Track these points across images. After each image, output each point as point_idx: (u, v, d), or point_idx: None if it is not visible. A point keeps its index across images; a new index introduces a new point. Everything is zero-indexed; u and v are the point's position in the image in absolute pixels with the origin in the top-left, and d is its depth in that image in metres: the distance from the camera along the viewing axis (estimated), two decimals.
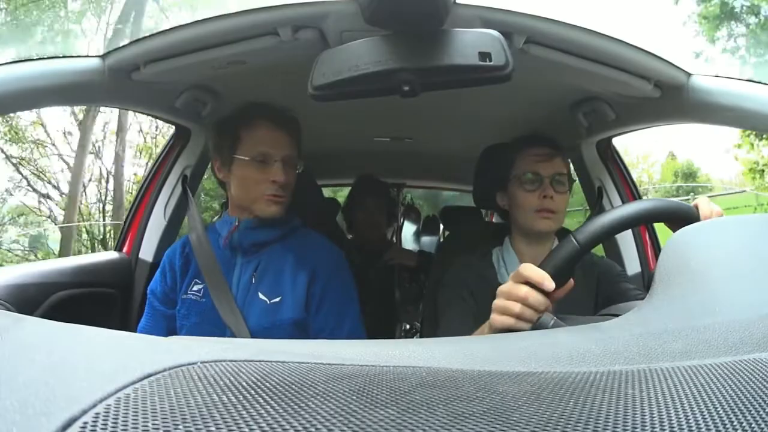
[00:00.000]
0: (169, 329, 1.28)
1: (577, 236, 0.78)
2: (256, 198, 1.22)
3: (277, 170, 1.20)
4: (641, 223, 0.85)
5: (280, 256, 1.25)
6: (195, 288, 1.25)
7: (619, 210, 0.81)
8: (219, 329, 1.19)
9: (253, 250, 1.25)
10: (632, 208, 0.82)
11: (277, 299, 1.21)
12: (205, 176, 1.84)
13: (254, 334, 1.18)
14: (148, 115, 1.56)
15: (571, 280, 0.80)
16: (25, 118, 9.16)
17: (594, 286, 1.23)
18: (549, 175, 1.22)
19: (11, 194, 9.58)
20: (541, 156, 1.24)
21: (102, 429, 0.20)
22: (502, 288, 0.81)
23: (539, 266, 0.79)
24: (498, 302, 0.81)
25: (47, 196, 9.59)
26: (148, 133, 10.17)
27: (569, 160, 1.61)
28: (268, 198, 1.21)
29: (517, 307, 0.77)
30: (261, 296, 1.21)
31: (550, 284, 0.75)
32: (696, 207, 0.83)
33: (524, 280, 0.78)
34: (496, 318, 0.80)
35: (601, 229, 0.78)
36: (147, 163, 9.50)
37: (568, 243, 0.78)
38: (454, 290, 1.24)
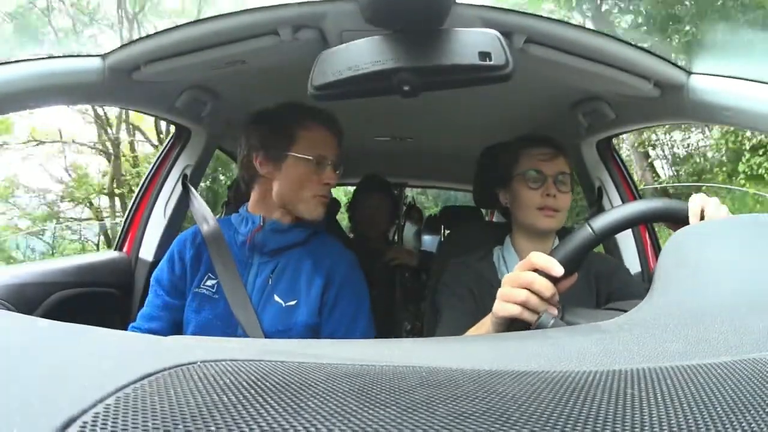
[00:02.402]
0: (170, 319, 1.26)
1: (593, 224, 0.77)
2: (306, 198, 1.22)
3: (330, 172, 1.22)
4: (658, 220, 0.83)
5: (298, 260, 1.24)
6: (208, 283, 1.24)
7: (637, 203, 0.80)
8: (231, 327, 1.18)
9: (274, 253, 1.25)
10: (651, 203, 0.81)
11: (292, 302, 1.20)
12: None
13: (268, 336, 1.17)
14: (148, 114, 1.56)
15: (575, 274, 0.78)
16: None
17: (593, 285, 1.23)
18: (552, 174, 1.23)
19: None
20: (545, 155, 1.24)
21: (102, 428, 0.20)
22: (507, 275, 0.78)
23: (550, 254, 0.77)
24: (503, 290, 0.77)
25: None
26: None
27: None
28: (318, 199, 1.22)
29: (522, 293, 0.73)
30: (277, 298, 1.20)
31: (558, 269, 0.73)
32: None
33: (531, 267, 0.75)
34: (500, 306, 0.77)
35: (618, 220, 0.78)
36: None
37: (583, 230, 0.77)
38: (453, 289, 1.24)
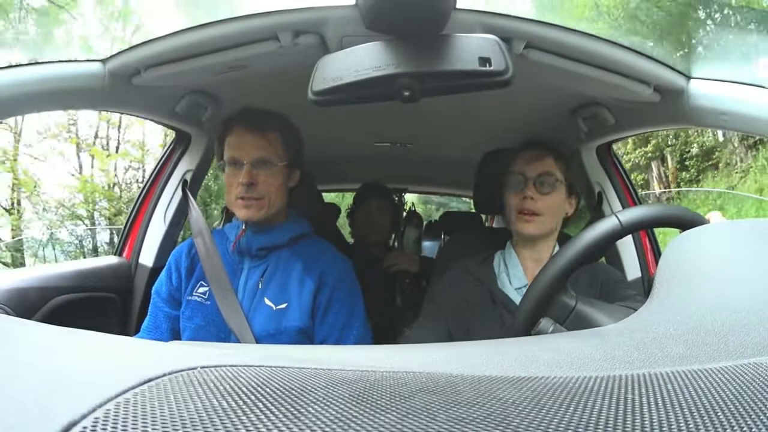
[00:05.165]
0: (172, 330, 1.28)
1: (621, 216, 0.76)
2: (232, 201, 1.23)
3: (244, 172, 1.19)
4: (679, 227, 0.83)
5: (287, 263, 1.25)
6: (200, 290, 1.25)
7: (665, 207, 0.80)
8: (223, 333, 1.19)
9: (261, 254, 1.25)
10: (678, 210, 0.80)
11: (283, 305, 1.20)
12: None
13: (259, 340, 1.17)
14: (148, 119, 1.56)
15: None
16: None
17: (597, 293, 1.23)
18: (533, 175, 1.20)
19: None
20: (530, 157, 1.22)
21: None
22: None
23: (574, 238, 0.77)
24: None
25: None
26: None
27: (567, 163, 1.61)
28: (239, 201, 1.20)
29: None
30: (267, 302, 1.21)
31: None
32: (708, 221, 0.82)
33: None
34: None
35: (645, 216, 0.77)
36: None
37: (610, 220, 0.76)
38: (436, 303, 1.25)
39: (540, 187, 1.19)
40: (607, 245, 0.77)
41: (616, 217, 0.77)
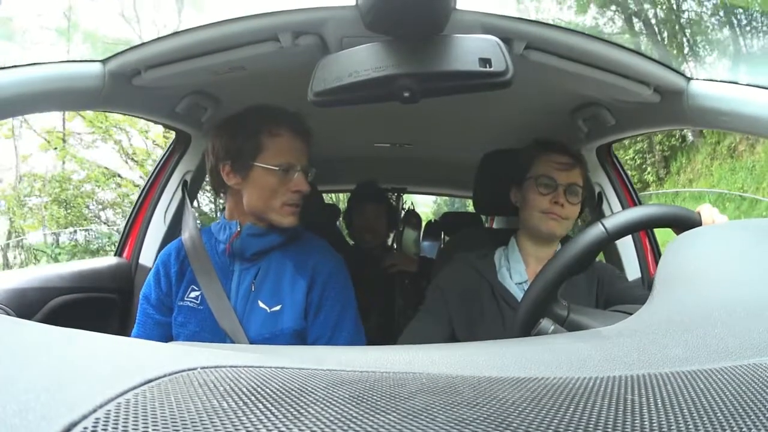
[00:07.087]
0: (163, 337, 1.24)
1: (606, 223, 0.78)
2: (275, 207, 1.18)
3: (300, 180, 1.18)
4: (668, 225, 0.83)
5: (279, 263, 1.22)
6: (192, 295, 1.21)
7: (649, 207, 0.81)
8: (218, 338, 1.16)
9: (254, 257, 1.22)
10: (664, 208, 0.81)
11: (277, 307, 1.18)
12: None
13: (254, 344, 1.15)
14: (148, 120, 1.56)
15: None
16: None
17: (594, 289, 1.24)
18: (565, 183, 1.24)
19: None
20: (562, 164, 1.25)
21: None
22: None
23: (558, 252, 0.78)
24: None
25: None
26: None
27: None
28: (288, 207, 1.19)
29: None
30: (261, 305, 1.18)
31: None
32: (698, 214, 0.83)
33: None
34: None
35: (630, 220, 0.78)
36: None
37: (595, 228, 0.78)
38: (443, 288, 1.26)
39: (570, 195, 1.24)
40: (594, 254, 0.78)
41: (602, 224, 0.77)
